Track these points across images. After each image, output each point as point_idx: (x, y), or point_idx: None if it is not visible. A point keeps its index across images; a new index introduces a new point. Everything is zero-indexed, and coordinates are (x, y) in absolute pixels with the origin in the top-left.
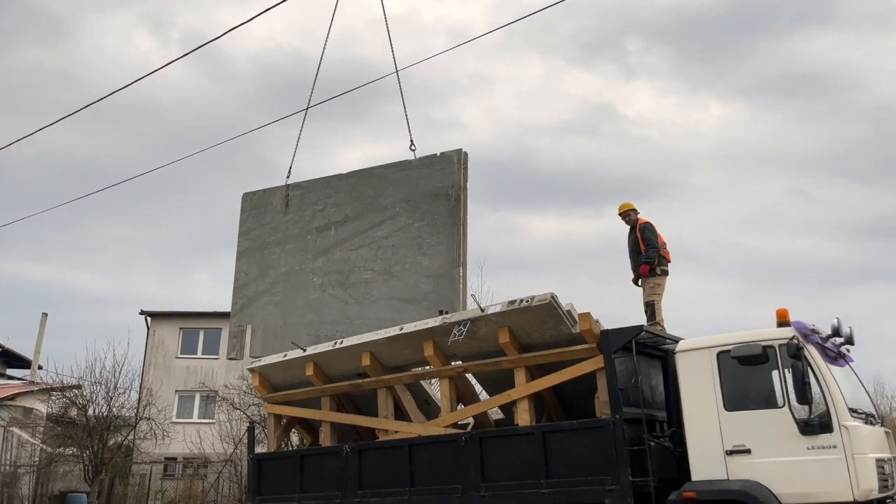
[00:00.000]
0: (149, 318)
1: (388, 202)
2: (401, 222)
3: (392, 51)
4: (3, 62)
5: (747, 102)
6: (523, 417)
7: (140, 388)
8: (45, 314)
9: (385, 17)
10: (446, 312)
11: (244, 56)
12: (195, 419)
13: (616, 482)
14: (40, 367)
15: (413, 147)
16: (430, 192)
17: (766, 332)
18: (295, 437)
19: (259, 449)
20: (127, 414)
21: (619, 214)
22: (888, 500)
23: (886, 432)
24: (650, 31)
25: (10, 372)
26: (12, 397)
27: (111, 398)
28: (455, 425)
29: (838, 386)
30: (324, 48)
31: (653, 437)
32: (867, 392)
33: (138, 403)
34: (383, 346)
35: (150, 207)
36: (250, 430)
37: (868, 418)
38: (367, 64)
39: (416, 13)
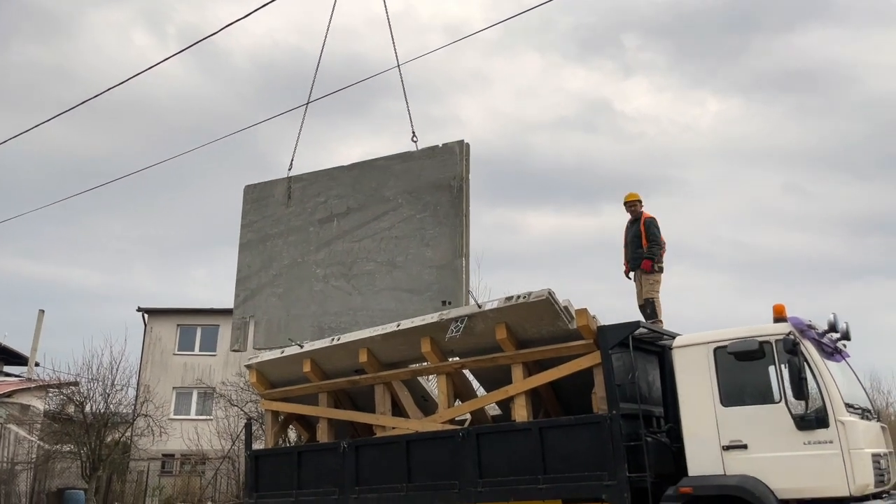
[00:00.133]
0: (146, 315)
1: (390, 193)
2: (403, 213)
3: (393, 41)
4: (0, 59)
5: (744, 98)
6: (520, 413)
7: (137, 384)
8: (42, 311)
9: (386, 9)
10: (449, 303)
11: (242, 53)
12: (193, 416)
13: (613, 477)
14: (37, 364)
15: (415, 138)
16: (433, 184)
17: (763, 327)
18: (292, 434)
19: (256, 445)
20: (124, 411)
21: (625, 203)
22: (884, 495)
23: (882, 427)
24: (647, 28)
25: (7, 369)
26: (9, 394)
27: (108, 395)
28: (452, 421)
29: (834, 381)
30: (324, 43)
31: (650, 432)
32: (863, 387)
33: (136, 400)
34: (380, 342)
35: (147, 204)
36: (248, 426)
37: (864, 413)
38: (365, 60)
39: (413, 10)
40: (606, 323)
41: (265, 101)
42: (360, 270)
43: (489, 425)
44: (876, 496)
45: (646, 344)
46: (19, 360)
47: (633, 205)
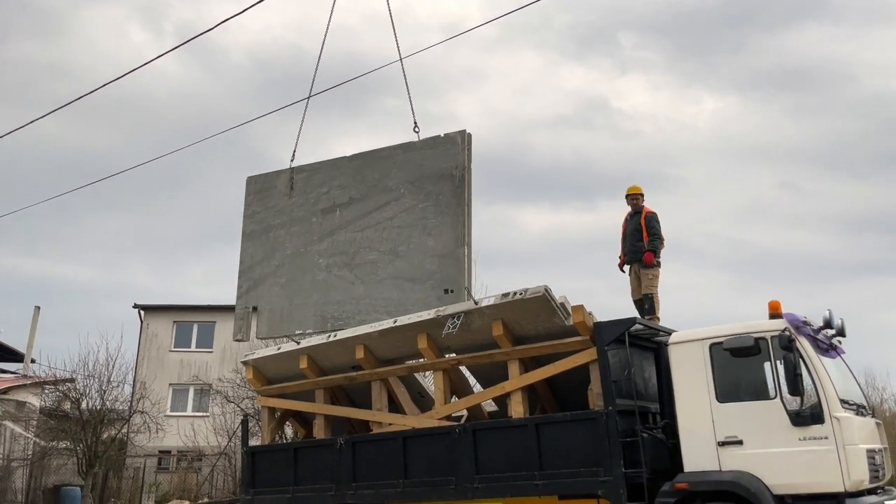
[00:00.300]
0: (142, 312)
1: (392, 184)
2: (405, 203)
3: (394, 30)
4: None
5: (740, 96)
6: (517, 409)
7: (134, 381)
8: (38, 307)
9: (388, 1)
10: (451, 291)
11: (239, 50)
12: (189, 412)
13: (609, 473)
14: (33, 361)
15: (417, 129)
16: (435, 173)
17: (759, 323)
18: (289, 430)
19: (253, 442)
20: (121, 407)
21: (628, 195)
22: (879, 491)
23: (877, 423)
24: (644, 26)
25: (2, 366)
26: (5, 391)
27: (105, 392)
28: (449, 418)
29: (830, 377)
30: (324, 39)
31: (645, 428)
32: (858, 383)
33: (132, 397)
34: (377, 338)
35: (144, 201)
36: (244, 422)
37: (859, 409)
38: (362, 58)
39: (410, 8)
40: (603, 319)
41: (262, 99)
42: (362, 260)
43: (486, 421)
44: (871, 492)
45: (642, 340)
46: (15, 356)
47: (635, 197)
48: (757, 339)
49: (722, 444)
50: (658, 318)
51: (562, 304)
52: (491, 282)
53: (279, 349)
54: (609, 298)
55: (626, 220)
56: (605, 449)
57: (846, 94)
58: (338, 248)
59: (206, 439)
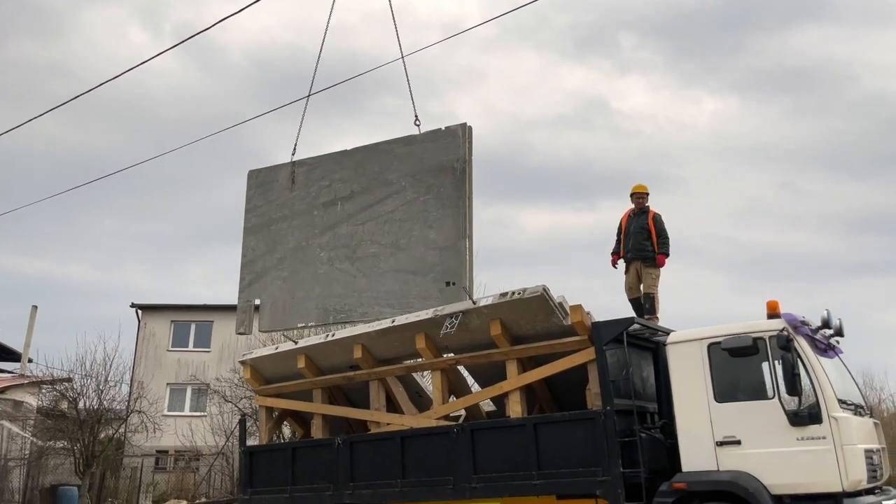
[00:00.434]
0: (140, 311)
1: (393, 177)
2: (407, 196)
3: (395, 25)
4: None
5: (740, 97)
6: (515, 409)
7: (131, 381)
8: (35, 307)
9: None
10: (453, 283)
11: (238, 49)
12: (187, 412)
13: (607, 473)
14: (30, 360)
15: (418, 122)
16: (436, 166)
17: (757, 323)
18: (287, 430)
19: (251, 441)
20: (118, 407)
21: (634, 193)
22: (877, 491)
23: (875, 423)
24: (644, 27)
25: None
26: (2, 390)
27: (102, 391)
28: (447, 417)
29: (828, 377)
30: (324, 38)
31: (644, 428)
32: (856, 383)
33: (129, 396)
34: (375, 338)
35: (141, 200)
36: (242, 422)
37: (857, 409)
38: (360, 57)
39: (410, 7)
40: (601, 319)
41: (261, 98)
42: (364, 253)
43: (483, 421)
44: (869, 492)
45: (640, 340)
46: (12, 356)
47: (641, 196)
48: (755, 339)
49: (720, 443)
50: (657, 318)
51: (560, 304)
52: (490, 281)
53: (277, 349)
54: (608, 298)
55: (628, 217)
56: (603, 449)
57: (846, 95)
58: (339, 242)
59: (203, 439)
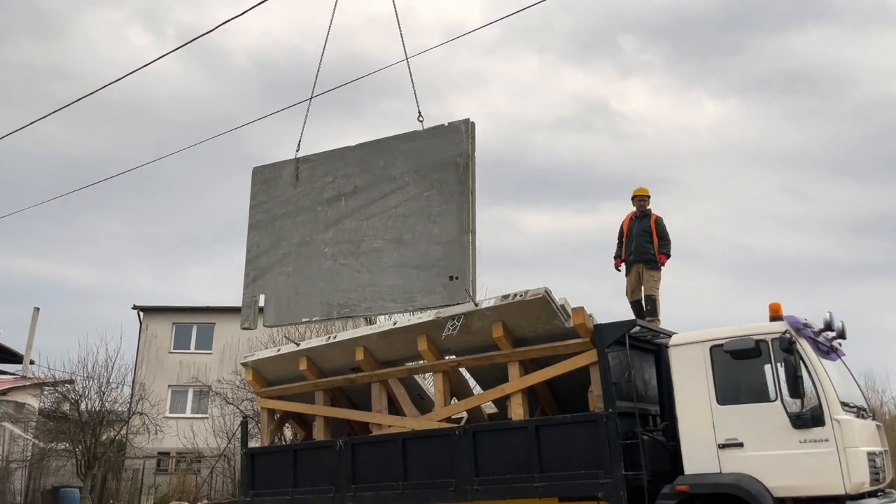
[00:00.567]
0: (141, 313)
1: (397, 172)
2: (410, 192)
3: (398, 24)
4: None
5: (741, 100)
6: (517, 411)
7: (133, 382)
8: (37, 309)
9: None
10: (456, 278)
11: (240, 53)
12: (188, 414)
13: (609, 476)
14: (32, 362)
15: (421, 118)
16: (439, 162)
17: (759, 326)
18: (288, 432)
19: (252, 443)
20: (120, 409)
21: (636, 196)
22: (879, 493)
23: (878, 426)
24: (645, 29)
25: (1, 367)
26: (4, 392)
27: (104, 393)
28: (449, 419)
29: (830, 380)
30: (326, 40)
31: (646, 430)
32: (859, 386)
33: (131, 398)
34: (377, 340)
35: (143, 203)
36: (243, 424)
37: (859, 412)
38: (362, 60)
39: (411, 11)
40: (602, 321)
41: (263, 101)
42: (367, 248)
43: (485, 423)
44: (871, 494)
45: (642, 342)
46: (14, 357)
47: (643, 199)
48: (757, 342)
49: (722, 446)
50: (659, 320)
51: (562, 306)
52: (491, 284)
53: (279, 350)
54: (610, 301)
55: (630, 220)
56: (605, 451)
57: (848, 98)
58: (343, 237)
59: (205, 441)
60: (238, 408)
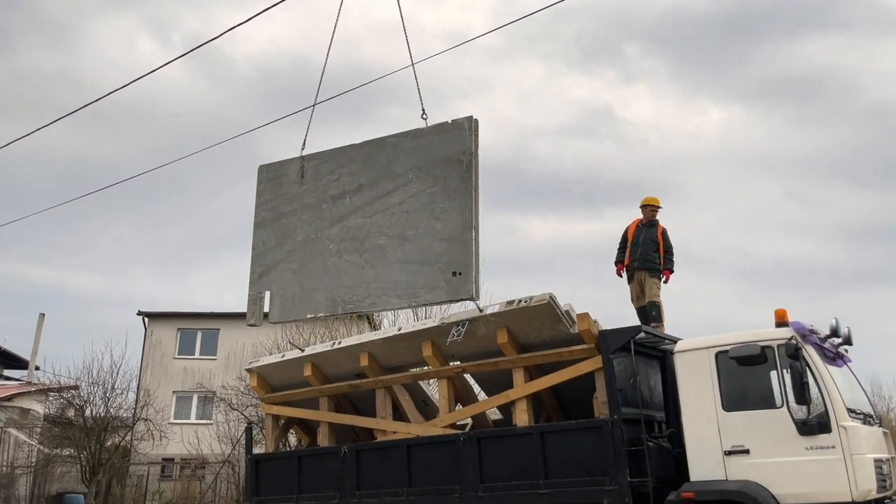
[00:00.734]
0: (146, 319)
1: (401, 170)
2: (414, 189)
3: (404, 27)
4: (6, 66)
5: (745, 106)
6: (521, 418)
7: (137, 388)
8: (43, 315)
9: (399, 7)
10: (459, 273)
11: (245, 59)
12: (193, 420)
13: (614, 482)
14: (37, 368)
15: (425, 115)
16: (443, 159)
17: (765, 332)
18: (293, 438)
19: (257, 449)
20: (124, 415)
21: (646, 205)
22: (886, 501)
23: (884, 433)
24: (649, 36)
25: (6, 373)
26: (9, 398)
27: (108, 399)
28: (453, 426)
29: (836, 386)
30: (329, 46)
31: (651, 437)
32: (865, 392)
33: (136, 404)
34: (381, 346)
35: (149, 209)
36: (248, 430)
37: (866, 419)
38: (366, 67)
39: (415, 17)
40: (607, 328)
41: (268, 107)
42: (372, 244)
43: (490, 430)
44: (878, 501)
45: (647, 348)
46: (19, 363)
47: (655, 210)
48: (763, 348)
49: (728, 453)
50: (664, 326)
51: (567, 312)
52: (496, 290)
53: (283, 356)
54: (616, 307)
55: (637, 227)
56: (610, 458)
57: (852, 104)
58: (348, 234)
59: (209, 447)
60: (243, 414)
